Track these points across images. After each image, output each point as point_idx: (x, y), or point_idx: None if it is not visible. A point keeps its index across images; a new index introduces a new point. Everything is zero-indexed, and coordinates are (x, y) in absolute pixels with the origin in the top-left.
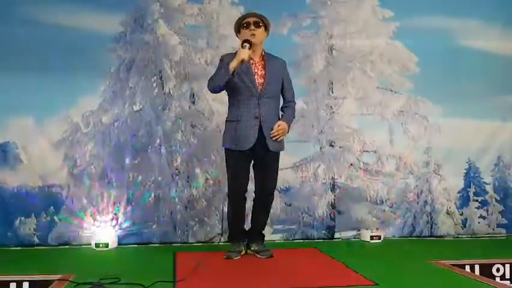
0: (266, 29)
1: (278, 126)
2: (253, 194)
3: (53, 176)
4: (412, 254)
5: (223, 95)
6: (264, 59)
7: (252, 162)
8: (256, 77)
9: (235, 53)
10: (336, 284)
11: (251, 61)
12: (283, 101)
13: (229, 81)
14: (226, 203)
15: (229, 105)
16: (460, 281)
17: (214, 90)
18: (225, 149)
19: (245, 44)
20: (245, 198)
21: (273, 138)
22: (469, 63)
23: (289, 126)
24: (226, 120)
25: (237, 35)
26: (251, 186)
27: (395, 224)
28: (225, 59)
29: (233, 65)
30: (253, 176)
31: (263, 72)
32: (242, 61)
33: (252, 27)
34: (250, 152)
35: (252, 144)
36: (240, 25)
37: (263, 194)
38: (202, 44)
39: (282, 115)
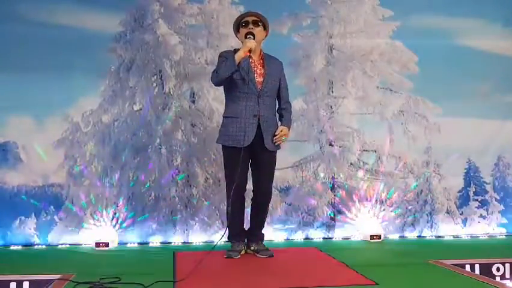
0: (265, 28)
1: (281, 131)
2: (251, 193)
3: (53, 176)
4: (412, 253)
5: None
6: (262, 58)
7: (250, 161)
8: (255, 75)
9: (234, 51)
10: (336, 284)
11: (251, 60)
12: (280, 102)
13: (232, 76)
14: (225, 203)
15: (226, 102)
16: (460, 280)
17: (219, 82)
18: (223, 147)
19: (249, 35)
20: (244, 198)
21: (276, 144)
22: (469, 63)
23: (289, 129)
24: (224, 116)
25: (236, 34)
26: (250, 185)
27: (395, 224)
28: (225, 55)
29: (240, 54)
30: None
31: (262, 70)
32: (250, 51)
33: (251, 25)
34: (248, 150)
35: (250, 142)
36: (239, 24)
37: (261, 193)
38: (202, 43)
39: (282, 119)
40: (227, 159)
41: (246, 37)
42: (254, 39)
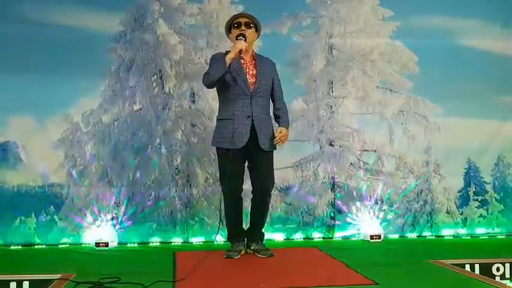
0: (257, 29)
1: (280, 132)
2: (251, 194)
3: (53, 176)
4: (412, 253)
5: None
6: (255, 59)
7: (247, 162)
8: (248, 76)
9: (226, 53)
10: (336, 284)
11: (242, 61)
12: (275, 103)
13: (223, 77)
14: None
15: (220, 104)
16: (460, 280)
17: (211, 84)
18: (217, 149)
19: (240, 37)
20: (241, 198)
21: (277, 145)
22: (469, 63)
23: (288, 130)
24: (218, 119)
25: (227, 34)
26: (248, 186)
27: (395, 224)
28: (216, 57)
29: (230, 55)
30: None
31: (254, 71)
32: (240, 52)
33: (243, 27)
34: (243, 151)
35: (245, 143)
36: (231, 25)
37: (260, 193)
38: (202, 43)
39: (279, 121)
40: (222, 162)
41: (237, 39)
42: (245, 40)
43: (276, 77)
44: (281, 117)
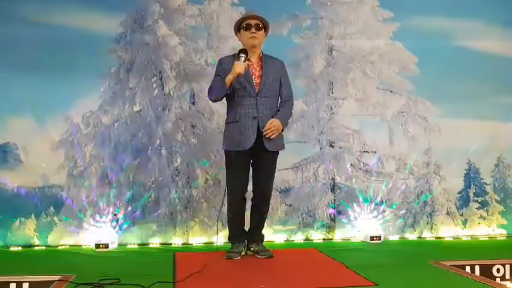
0: (265, 30)
1: (270, 123)
2: (252, 194)
3: (53, 177)
4: (412, 254)
5: None
6: (261, 60)
7: (251, 162)
8: (253, 77)
9: (234, 56)
10: (336, 285)
11: (249, 62)
12: (280, 100)
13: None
14: (225, 204)
15: (227, 107)
16: (460, 281)
17: (214, 101)
18: (225, 151)
19: (241, 55)
20: (244, 199)
21: (266, 136)
22: (469, 64)
23: (283, 124)
24: (226, 122)
25: (236, 34)
26: (249, 187)
27: (395, 225)
28: (224, 63)
29: (229, 78)
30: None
31: (260, 72)
32: (238, 75)
33: (253, 29)
34: (249, 152)
35: (252, 144)
36: (240, 26)
37: (261, 194)
38: (202, 44)
39: (276, 113)
40: (229, 163)
41: (238, 55)
42: (245, 60)
43: (284, 76)
44: (280, 110)
